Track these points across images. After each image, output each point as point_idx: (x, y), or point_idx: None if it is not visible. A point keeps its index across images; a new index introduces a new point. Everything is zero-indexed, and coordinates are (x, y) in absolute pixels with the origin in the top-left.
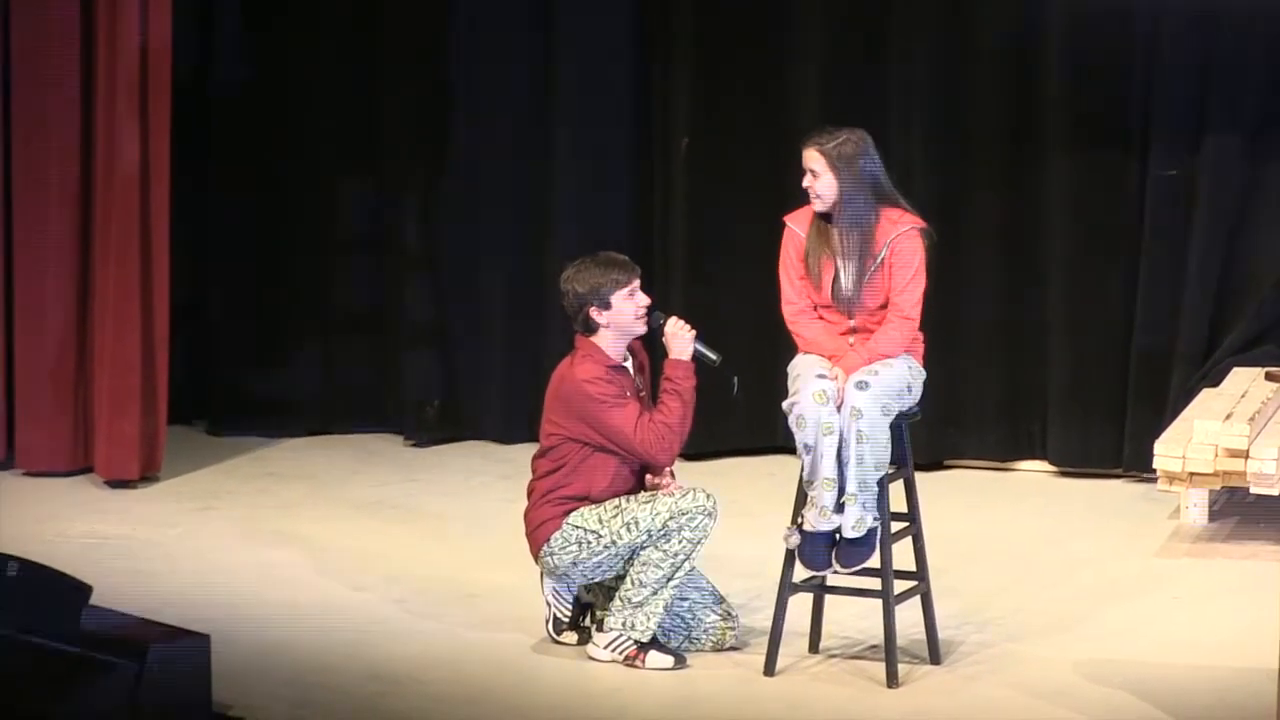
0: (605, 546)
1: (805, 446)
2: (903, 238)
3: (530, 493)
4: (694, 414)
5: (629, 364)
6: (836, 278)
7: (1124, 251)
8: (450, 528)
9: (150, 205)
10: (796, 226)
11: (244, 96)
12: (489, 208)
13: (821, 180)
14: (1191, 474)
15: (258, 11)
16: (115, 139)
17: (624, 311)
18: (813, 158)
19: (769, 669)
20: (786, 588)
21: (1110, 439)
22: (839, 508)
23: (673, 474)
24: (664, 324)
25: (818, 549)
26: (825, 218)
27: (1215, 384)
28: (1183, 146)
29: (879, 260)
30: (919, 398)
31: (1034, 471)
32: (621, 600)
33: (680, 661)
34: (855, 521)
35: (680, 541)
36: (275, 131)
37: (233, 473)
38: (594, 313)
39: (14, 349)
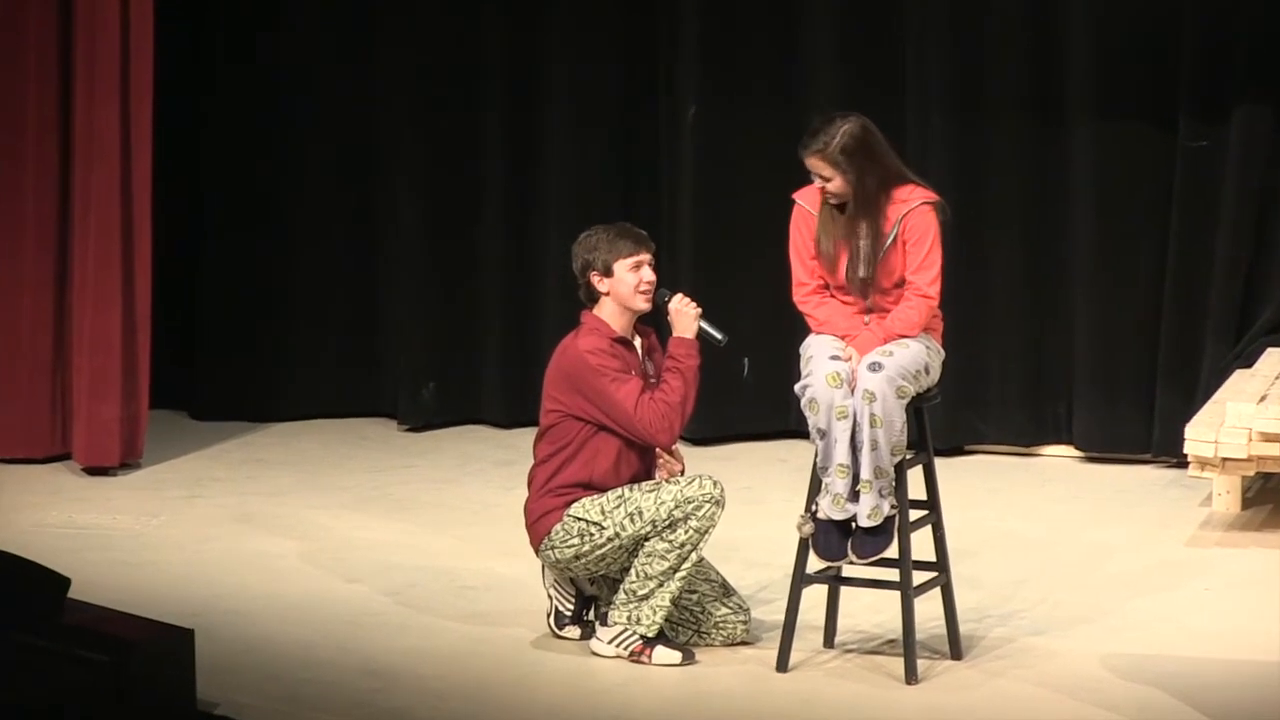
0: (609, 539)
1: (818, 431)
2: (914, 214)
3: (530, 481)
4: (699, 395)
5: (637, 344)
6: (850, 260)
7: (1152, 226)
8: (447, 516)
9: (132, 175)
10: (807, 204)
11: (235, 82)
12: (486, 180)
13: (832, 183)
14: (1224, 459)
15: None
16: (95, 106)
17: (625, 281)
18: (818, 166)
19: (781, 665)
20: (800, 579)
21: (1139, 423)
22: (854, 496)
23: (679, 455)
24: (668, 300)
25: (832, 538)
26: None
27: (1248, 365)
28: (1213, 116)
29: (891, 238)
30: (938, 379)
31: (1059, 457)
32: (626, 593)
33: (688, 657)
34: (871, 510)
35: (686, 531)
36: (267, 112)
37: (218, 459)
38: (595, 279)
39: None
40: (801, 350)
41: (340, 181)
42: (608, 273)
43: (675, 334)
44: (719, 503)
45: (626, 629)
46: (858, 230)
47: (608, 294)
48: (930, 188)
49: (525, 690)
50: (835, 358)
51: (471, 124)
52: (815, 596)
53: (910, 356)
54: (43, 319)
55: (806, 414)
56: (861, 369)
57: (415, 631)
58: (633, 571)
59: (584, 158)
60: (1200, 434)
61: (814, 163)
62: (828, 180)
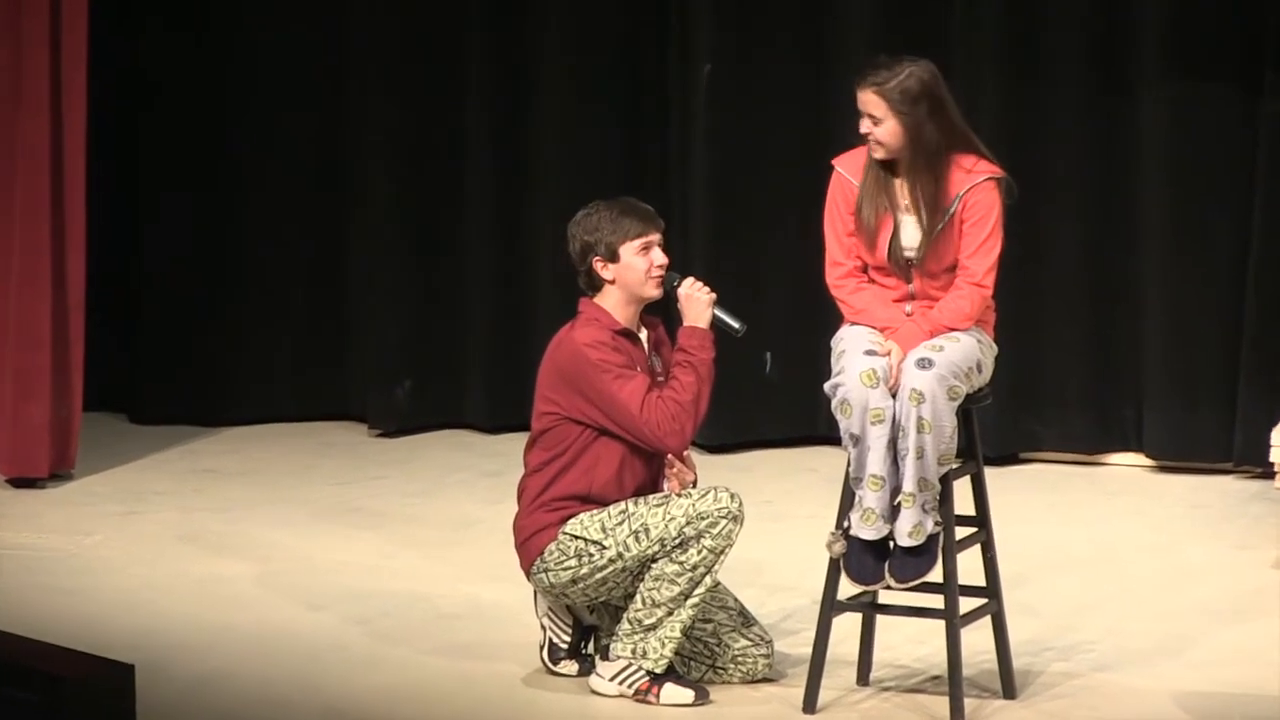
0: (610, 560)
1: (851, 437)
2: (977, 190)
3: (521, 494)
4: (714, 394)
5: (643, 336)
6: (895, 235)
7: (1232, 203)
8: (424, 534)
9: (64, 142)
10: (847, 172)
11: (179, 65)
12: (469, 149)
13: (883, 126)
14: None
15: None
16: (23, 61)
17: (633, 267)
18: (870, 101)
19: (809, 705)
20: (830, 606)
21: (1218, 427)
22: (893, 511)
23: (691, 463)
24: (678, 285)
25: (867, 559)
26: (886, 165)
27: None
28: None
29: (948, 215)
30: (990, 378)
31: (1127, 466)
32: (631, 623)
33: (702, 695)
34: (913, 527)
35: (700, 552)
36: (218, 82)
37: (162, 469)
38: (598, 264)
39: None
40: (833, 343)
41: (303, 151)
42: (612, 257)
43: (686, 324)
44: (737, 518)
45: (631, 664)
46: (908, 200)
47: (613, 281)
48: (997, 162)
49: None
50: (871, 352)
51: (454, 90)
52: (848, 626)
53: (962, 352)
54: None
55: (837, 417)
56: (909, 366)
57: (388, 667)
58: (638, 598)
59: (582, 123)
60: None
61: (867, 97)
62: (877, 123)
